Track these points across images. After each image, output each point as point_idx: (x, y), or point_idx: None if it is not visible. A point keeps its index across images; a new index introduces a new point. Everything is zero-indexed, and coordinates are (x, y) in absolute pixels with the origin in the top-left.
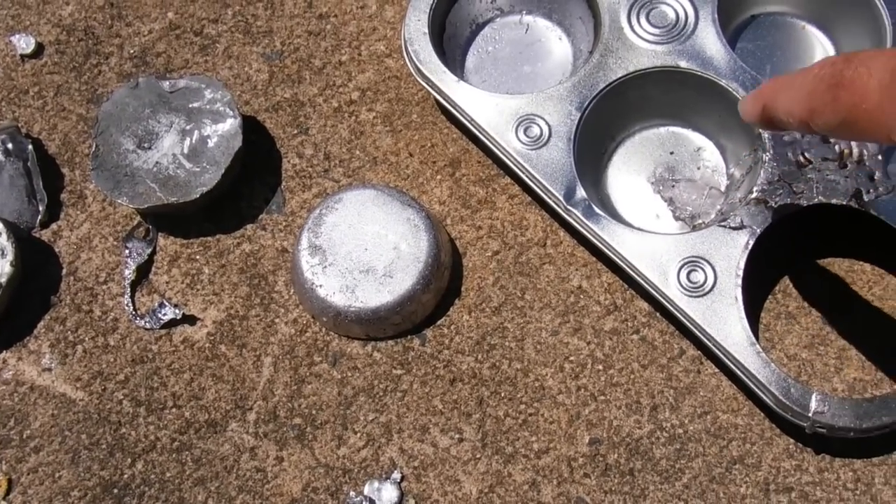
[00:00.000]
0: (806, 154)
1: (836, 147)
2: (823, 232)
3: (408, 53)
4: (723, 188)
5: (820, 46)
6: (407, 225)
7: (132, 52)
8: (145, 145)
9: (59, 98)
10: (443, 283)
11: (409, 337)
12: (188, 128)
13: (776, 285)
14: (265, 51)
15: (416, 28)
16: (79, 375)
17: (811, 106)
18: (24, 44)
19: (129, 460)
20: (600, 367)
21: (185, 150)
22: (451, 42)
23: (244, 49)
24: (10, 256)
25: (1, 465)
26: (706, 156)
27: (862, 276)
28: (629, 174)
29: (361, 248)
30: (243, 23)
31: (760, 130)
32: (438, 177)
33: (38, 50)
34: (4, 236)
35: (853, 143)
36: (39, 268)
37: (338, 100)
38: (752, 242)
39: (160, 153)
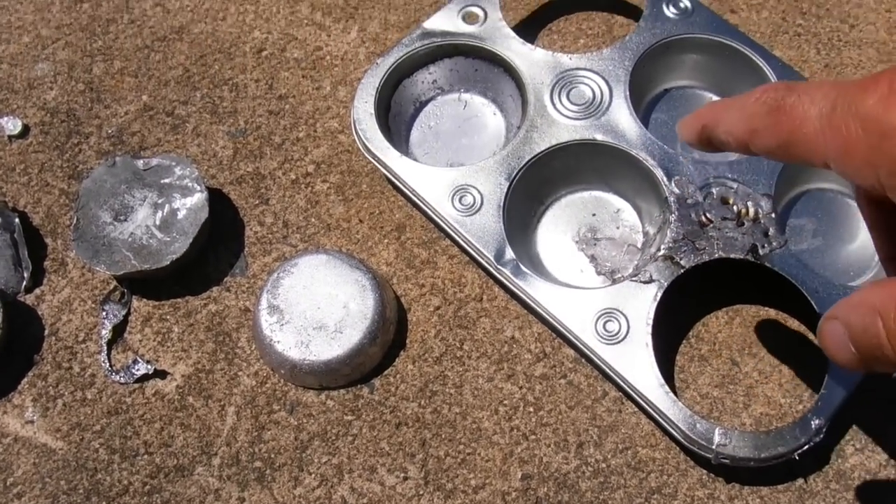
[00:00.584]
0: (707, 214)
1: (735, 207)
2: (731, 282)
3: (356, 132)
4: (639, 245)
5: None
6: (356, 286)
7: (110, 131)
8: (121, 218)
9: (43, 174)
10: (388, 336)
11: (359, 386)
12: (160, 201)
13: (690, 331)
14: (230, 129)
15: (364, 109)
16: (59, 427)
17: (752, 127)
18: (12, 125)
19: (104, 503)
20: (531, 409)
21: (157, 222)
22: (396, 119)
23: (211, 128)
24: None
25: None
26: (624, 216)
27: (767, 321)
28: (556, 234)
29: (315, 306)
30: (210, 104)
31: (667, 195)
32: (386, 240)
33: (25, 131)
34: None
35: (749, 203)
36: (24, 329)
37: (295, 172)
38: (660, 294)
39: (134, 225)
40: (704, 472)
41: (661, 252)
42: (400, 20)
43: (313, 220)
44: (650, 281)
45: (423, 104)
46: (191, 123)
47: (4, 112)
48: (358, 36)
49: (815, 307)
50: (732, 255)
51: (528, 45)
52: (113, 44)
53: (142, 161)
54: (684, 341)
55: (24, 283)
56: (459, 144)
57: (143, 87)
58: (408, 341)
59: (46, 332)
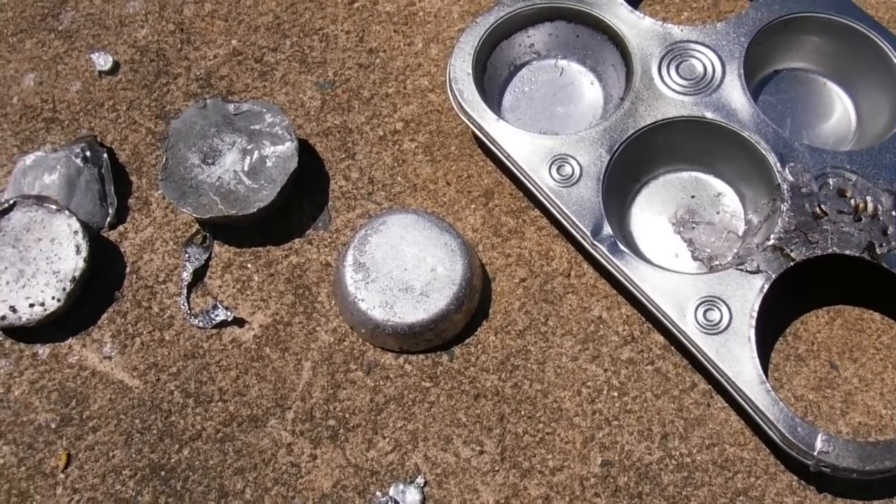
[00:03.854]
0: (822, 206)
1: (852, 201)
2: (836, 280)
3: (452, 91)
4: (740, 233)
5: (840, 102)
6: (444, 249)
7: (198, 74)
8: (209, 161)
9: (131, 112)
10: (473, 304)
11: (438, 353)
12: (249, 147)
13: (787, 328)
14: (319, 80)
15: (461, 68)
16: (135, 365)
17: None
18: (103, 61)
19: (177, 446)
20: (615, 393)
21: (246, 168)
22: (490, 82)
23: (300, 77)
24: (83, 253)
25: (62, 440)
26: (726, 201)
27: (871, 325)
28: (652, 214)
29: (401, 267)
30: (300, 53)
31: (779, 182)
32: (473, 206)
33: (115, 67)
34: (80, 235)
35: (868, 198)
36: (106, 265)
37: (383, 129)
38: (766, 287)
39: (222, 169)
40: (795, 478)
41: (771, 242)
42: None
43: (399, 178)
44: (757, 271)
45: (519, 68)
46: (279, 71)
47: (96, 47)
48: None
49: None
50: (847, 252)
51: (637, 13)
52: None
53: (233, 105)
54: (781, 338)
55: (109, 219)
56: (553, 112)
57: (233, 31)
58: (491, 311)
59: (128, 269)
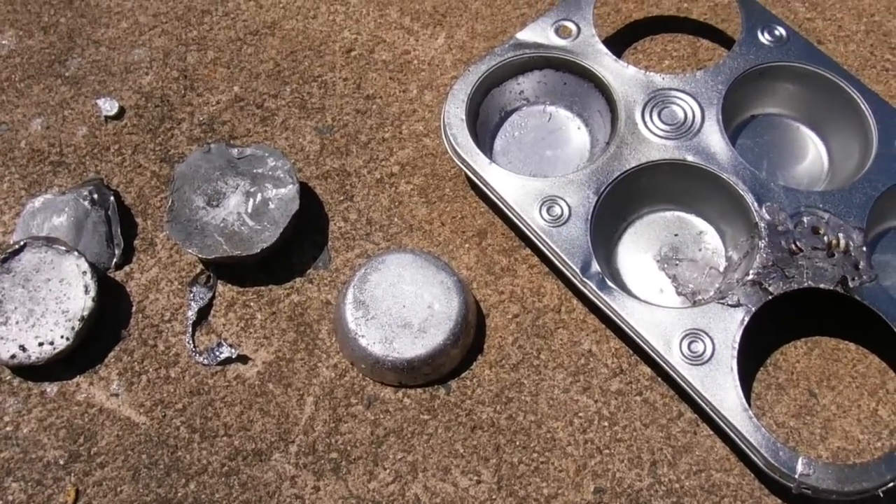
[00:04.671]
0: (798, 243)
1: (825, 238)
2: (813, 312)
3: (446, 136)
4: (721, 269)
5: (812, 145)
6: (441, 287)
7: (201, 119)
8: (214, 203)
9: (136, 156)
10: (469, 340)
11: (436, 386)
12: (252, 190)
13: (768, 359)
14: (318, 125)
15: (455, 114)
16: (142, 402)
17: None
18: (109, 106)
19: (184, 480)
20: (606, 423)
21: (249, 210)
22: (482, 127)
23: (299, 122)
24: (92, 293)
25: (71, 476)
26: (707, 239)
27: (847, 354)
28: (637, 252)
29: (400, 304)
30: (299, 99)
31: (757, 220)
32: (467, 245)
33: (120, 113)
34: (89, 275)
35: (840, 235)
36: (113, 305)
37: (380, 172)
38: (747, 319)
39: (226, 211)
40: (779, 501)
41: (750, 277)
42: (487, 30)
43: (396, 219)
44: (738, 305)
45: (509, 114)
46: (280, 117)
47: (102, 93)
48: (445, 42)
49: None
50: (822, 286)
51: (621, 62)
52: (207, 34)
53: (236, 150)
54: (762, 368)
55: (115, 259)
56: (542, 156)
57: (235, 78)
58: (485, 346)
59: (134, 308)
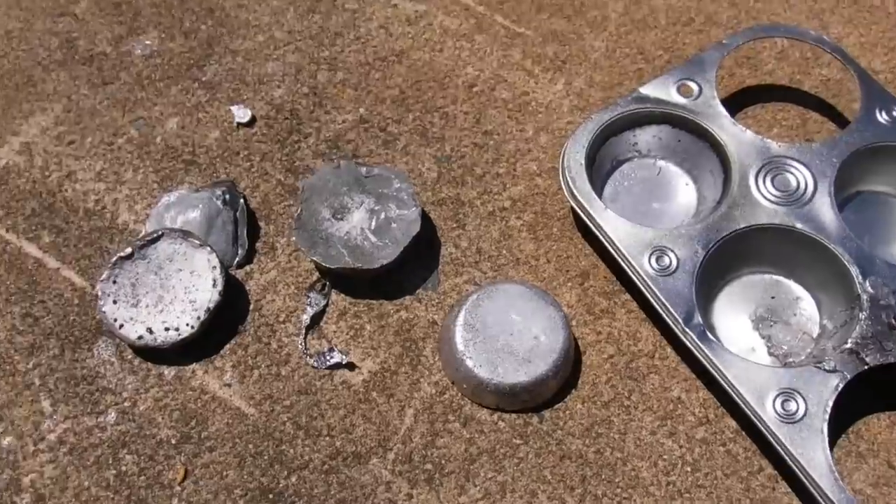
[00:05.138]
0: None
1: None
2: None
3: (564, 178)
4: (814, 335)
5: None
6: (548, 321)
7: (327, 135)
8: (339, 216)
9: (264, 163)
10: (567, 373)
11: (530, 414)
12: (376, 208)
13: (851, 426)
14: (437, 153)
15: (575, 159)
16: (252, 394)
17: None
18: (242, 114)
19: (286, 473)
20: (689, 468)
21: (372, 227)
22: (595, 172)
23: (419, 149)
24: (219, 287)
25: (181, 456)
26: (803, 305)
27: None
28: (733, 309)
29: (507, 332)
30: (421, 127)
31: (860, 292)
32: (569, 284)
33: (252, 121)
34: (218, 270)
35: None
36: (232, 300)
37: (493, 205)
38: (841, 385)
39: (350, 225)
40: None
41: (848, 346)
42: (604, 80)
43: (504, 251)
44: (834, 371)
45: (621, 163)
46: (401, 142)
47: (235, 100)
48: (564, 88)
49: None
50: None
51: (739, 125)
52: (338, 56)
53: (364, 168)
54: (843, 435)
55: (238, 258)
56: (649, 207)
57: (362, 100)
58: (580, 382)
59: (251, 306)
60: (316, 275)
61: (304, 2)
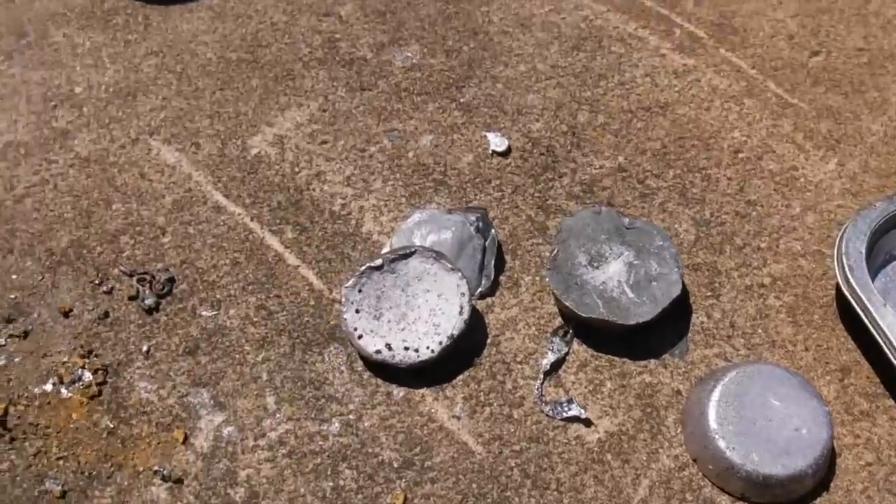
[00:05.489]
0: None
1: None
2: None
3: (841, 266)
4: None
5: None
6: (812, 414)
7: (583, 178)
8: (595, 264)
9: (515, 196)
10: (824, 474)
11: None
12: (636, 263)
13: None
14: (695, 216)
15: (855, 247)
16: (481, 432)
17: None
18: (498, 142)
19: None
20: None
21: (630, 281)
22: (869, 264)
23: (677, 208)
24: (465, 315)
25: (401, 482)
26: None
27: None
28: None
29: (766, 418)
30: (681, 185)
31: None
32: (828, 377)
33: (508, 151)
34: (466, 297)
35: None
36: (472, 331)
37: (751, 279)
38: None
39: (606, 275)
40: None
41: None
42: (881, 167)
43: (760, 331)
44: None
45: (891, 259)
46: (659, 197)
47: (492, 127)
48: (836, 169)
49: None
50: None
51: None
52: (600, 98)
53: (627, 219)
54: None
55: (481, 289)
56: None
57: (621, 148)
58: (833, 485)
59: (489, 340)
60: (559, 319)
61: (569, 38)
